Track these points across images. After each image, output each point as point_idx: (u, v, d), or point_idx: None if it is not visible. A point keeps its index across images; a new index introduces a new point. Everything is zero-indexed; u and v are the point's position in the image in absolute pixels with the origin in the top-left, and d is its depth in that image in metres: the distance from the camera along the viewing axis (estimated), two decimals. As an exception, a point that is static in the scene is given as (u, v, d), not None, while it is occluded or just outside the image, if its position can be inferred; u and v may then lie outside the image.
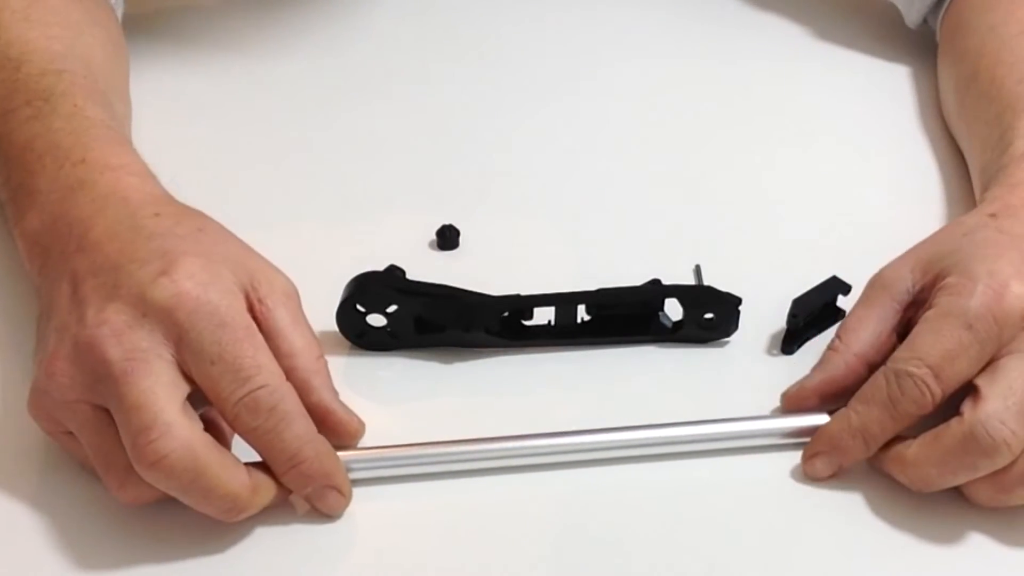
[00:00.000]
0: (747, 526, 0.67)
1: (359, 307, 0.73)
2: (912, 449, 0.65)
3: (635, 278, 0.76)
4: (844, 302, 0.75)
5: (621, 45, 0.98)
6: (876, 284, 0.71)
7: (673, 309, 0.74)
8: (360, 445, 0.68)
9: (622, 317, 0.74)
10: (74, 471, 0.67)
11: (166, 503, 0.64)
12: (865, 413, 0.66)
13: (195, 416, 0.63)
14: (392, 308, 0.73)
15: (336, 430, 0.67)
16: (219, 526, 0.65)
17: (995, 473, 0.64)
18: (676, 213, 0.84)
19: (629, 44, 0.98)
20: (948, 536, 0.66)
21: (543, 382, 0.73)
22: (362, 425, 0.68)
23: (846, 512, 0.67)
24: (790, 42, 0.99)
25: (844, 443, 0.67)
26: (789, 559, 0.65)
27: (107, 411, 0.63)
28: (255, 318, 0.66)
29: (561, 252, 0.81)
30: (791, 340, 0.74)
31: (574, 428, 0.69)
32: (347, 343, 0.74)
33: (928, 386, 0.65)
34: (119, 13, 0.88)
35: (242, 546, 0.65)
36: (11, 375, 0.72)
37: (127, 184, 0.70)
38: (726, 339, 0.75)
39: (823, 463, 0.67)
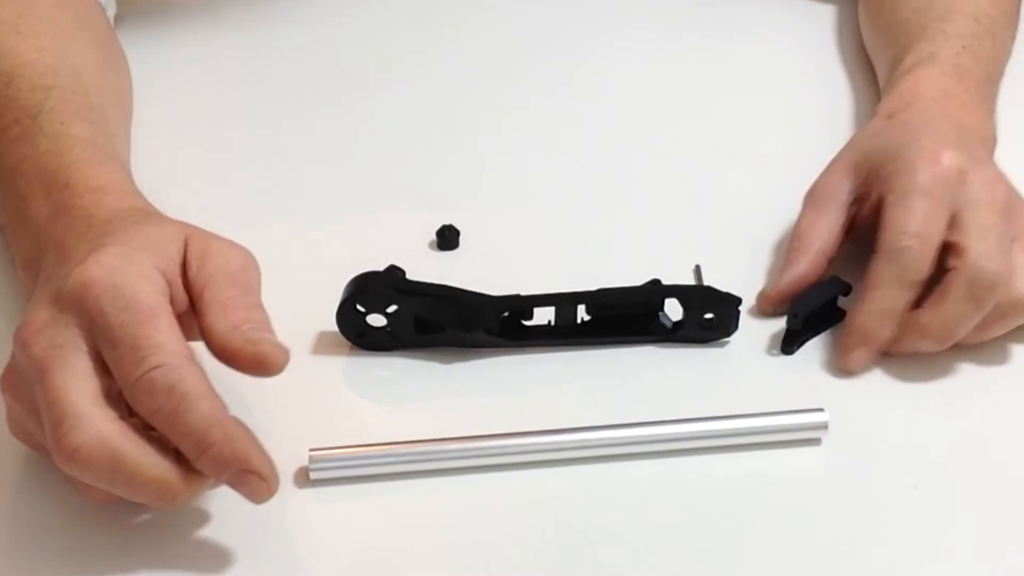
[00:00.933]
0: (746, 523, 0.67)
1: (359, 307, 0.73)
2: (925, 314, 0.73)
3: (635, 278, 0.76)
4: (844, 302, 0.75)
5: (622, 43, 0.98)
6: (817, 193, 0.79)
7: (673, 309, 0.74)
8: (358, 443, 0.68)
9: (622, 317, 0.74)
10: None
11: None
12: (881, 296, 0.73)
13: (116, 407, 0.62)
14: (392, 308, 0.73)
15: (255, 365, 0.64)
16: (213, 526, 0.65)
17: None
18: (677, 213, 0.84)
19: (630, 43, 0.98)
20: (947, 531, 0.66)
21: (543, 382, 0.73)
22: (285, 352, 0.64)
23: (846, 509, 0.67)
24: (800, 44, 0.99)
25: (873, 328, 0.73)
26: (788, 555, 0.65)
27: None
28: (190, 296, 0.65)
29: (561, 252, 0.81)
30: (791, 340, 0.74)
31: (573, 426, 0.69)
32: (347, 343, 0.74)
33: (921, 251, 0.72)
34: (111, 14, 0.88)
35: (234, 544, 0.65)
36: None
37: (106, 205, 0.69)
38: (726, 339, 0.75)
39: (859, 354, 0.73)
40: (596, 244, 0.81)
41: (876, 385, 0.73)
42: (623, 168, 0.87)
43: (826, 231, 0.77)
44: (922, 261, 0.72)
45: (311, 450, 0.67)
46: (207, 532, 0.65)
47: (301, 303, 0.76)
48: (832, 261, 0.76)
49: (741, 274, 0.78)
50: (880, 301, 0.73)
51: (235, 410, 0.71)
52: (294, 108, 0.91)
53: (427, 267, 0.78)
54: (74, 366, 0.62)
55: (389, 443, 0.68)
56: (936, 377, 0.74)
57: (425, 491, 0.67)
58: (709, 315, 0.74)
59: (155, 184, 0.80)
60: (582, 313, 0.74)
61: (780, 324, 0.75)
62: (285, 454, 0.68)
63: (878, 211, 0.75)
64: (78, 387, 0.61)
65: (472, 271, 0.78)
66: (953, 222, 0.73)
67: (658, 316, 0.75)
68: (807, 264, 0.76)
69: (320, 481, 0.67)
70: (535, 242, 0.81)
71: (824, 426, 0.70)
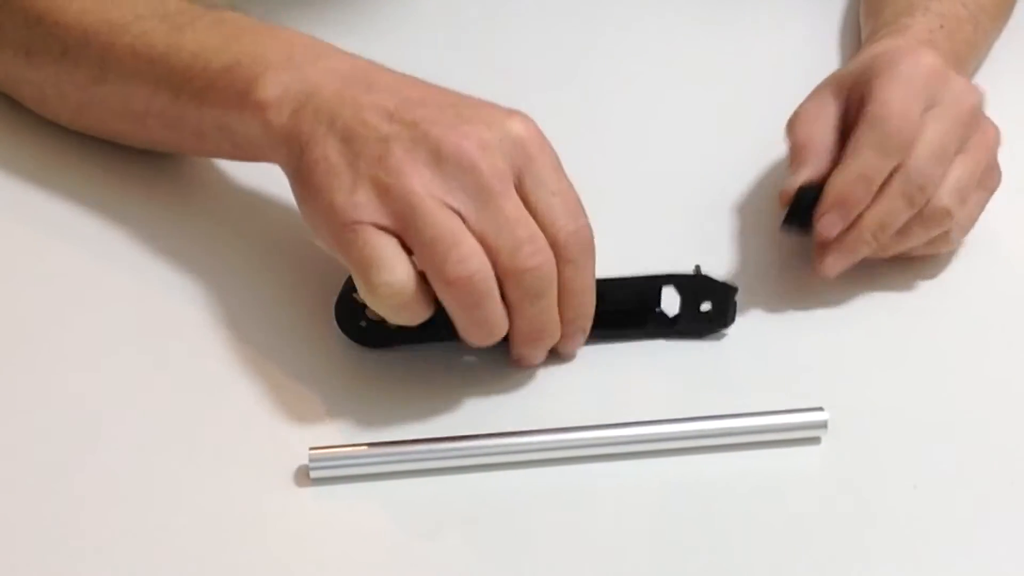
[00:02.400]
0: (745, 522, 0.67)
1: (357, 300, 0.72)
2: (867, 211, 0.75)
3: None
4: None
5: (624, 40, 0.98)
6: (802, 113, 0.80)
7: (670, 304, 0.74)
8: (358, 442, 0.68)
9: (619, 312, 0.74)
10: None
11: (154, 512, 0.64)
12: (861, 160, 0.74)
13: None
14: None
15: None
16: (213, 525, 0.65)
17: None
18: (677, 213, 0.84)
19: (632, 39, 0.98)
20: (947, 531, 0.66)
21: (542, 381, 0.73)
22: None
23: (845, 509, 0.67)
24: (805, 41, 0.99)
25: (849, 191, 0.74)
26: (787, 555, 0.65)
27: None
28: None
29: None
30: (794, 216, 0.76)
31: (573, 426, 0.69)
32: (347, 342, 0.74)
33: (901, 127, 0.74)
34: None
35: (234, 544, 0.65)
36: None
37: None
38: (724, 331, 0.75)
39: (833, 217, 0.74)
40: (596, 244, 0.81)
41: (876, 385, 0.73)
42: (623, 167, 0.87)
43: (822, 136, 0.77)
44: (902, 135, 0.74)
45: (311, 449, 0.67)
46: (207, 532, 0.65)
47: (300, 302, 0.76)
48: (835, 163, 0.76)
49: (741, 274, 0.78)
50: (859, 166, 0.74)
51: (235, 410, 0.71)
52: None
53: (427, 266, 0.78)
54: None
55: (389, 443, 0.68)
56: (936, 377, 0.74)
57: (425, 491, 0.67)
58: (706, 306, 0.74)
59: (153, 182, 0.81)
60: None
61: (780, 323, 0.75)
62: (285, 454, 0.68)
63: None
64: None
65: (472, 270, 0.78)
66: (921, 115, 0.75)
67: (655, 310, 0.74)
68: (812, 168, 0.76)
69: (320, 480, 0.67)
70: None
71: (824, 425, 0.70)
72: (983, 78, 0.91)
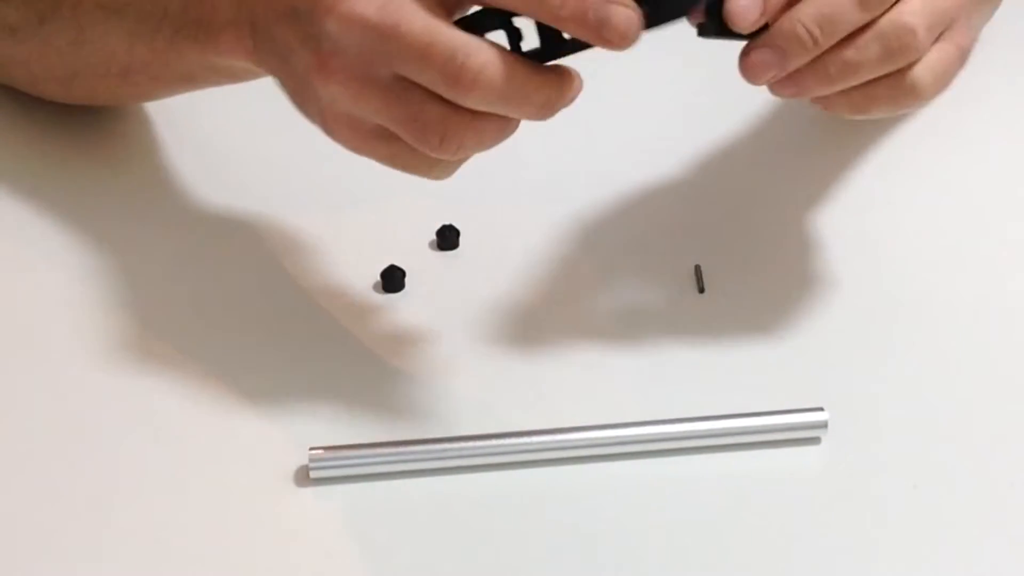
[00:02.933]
0: (746, 522, 0.67)
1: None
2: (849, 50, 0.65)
3: (635, 276, 0.76)
4: None
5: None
6: None
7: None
8: (358, 442, 0.68)
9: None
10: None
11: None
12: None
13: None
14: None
15: None
16: (213, 525, 0.65)
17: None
18: (677, 213, 0.84)
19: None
20: (947, 531, 0.66)
21: (543, 381, 0.73)
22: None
23: (845, 509, 0.67)
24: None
25: (796, 32, 0.64)
26: (787, 555, 0.65)
27: (398, 77, 0.62)
28: None
29: (561, 251, 0.81)
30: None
31: (573, 426, 0.69)
32: (346, 342, 0.74)
33: None
34: None
35: (234, 544, 0.65)
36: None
37: None
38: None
39: (762, 55, 0.65)
40: (596, 244, 0.81)
41: (876, 385, 0.73)
42: (624, 168, 0.87)
43: None
44: None
45: (311, 449, 0.67)
46: (207, 532, 0.65)
47: (300, 302, 0.76)
48: None
49: (742, 274, 0.78)
50: (824, 5, 0.64)
51: (235, 409, 0.71)
52: (290, 107, 0.91)
53: (427, 267, 0.78)
54: (423, 11, 0.62)
55: (389, 442, 0.68)
56: (937, 377, 0.74)
57: (425, 490, 0.67)
58: None
59: (151, 184, 0.81)
60: None
61: (780, 323, 0.76)
62: (285, 454, 0.68)
63: None
64: (442, 24, 0.61)
65: (472, 271, 0.78)
66: None
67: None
68: None
69: (320, 480, 0.67)
70: (535, 242, 0.81)
71: (824, 425, 0.70)
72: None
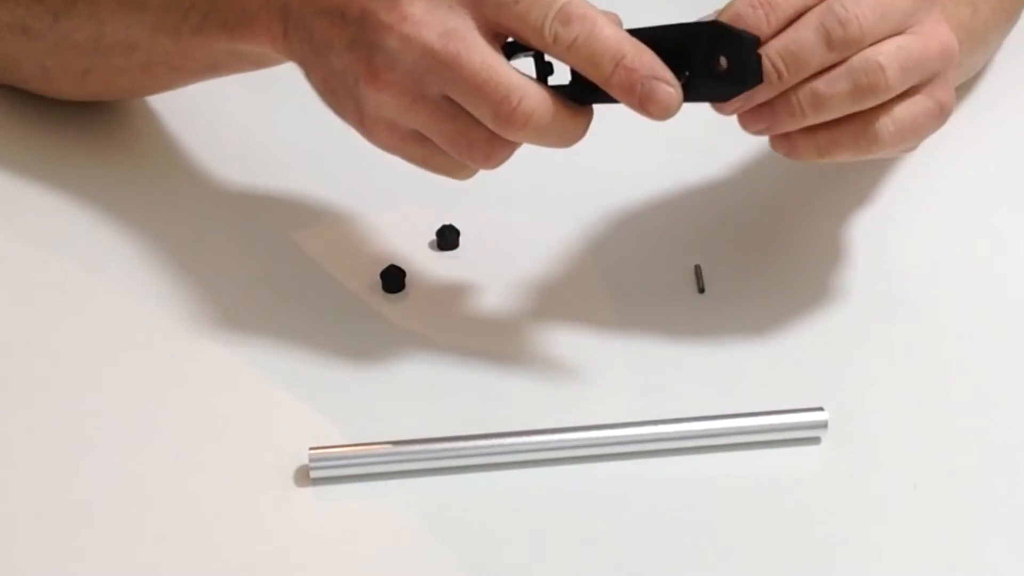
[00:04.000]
0: (745, 522, 0.67)
1: None
2: (777, 39, 0.66)
3: (635, 277, 0.76)
4: None
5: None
6: None
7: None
8: (358, 442, 0.68)
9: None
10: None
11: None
12: (794, 36, 0.66)
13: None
14: None
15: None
16: (213, 525, 0.65)
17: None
18: (677, 213, 0.84)
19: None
20: (947, 531, 0.66)
21: (543, 381, 0.73)
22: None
23: (845, 509, 0.67)
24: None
25: (745, 11, 0.66)
26: (787, 554, 0.65)
27: (447, 97, 0.66)
28: None
29: (561, 252, 0.81)
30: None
31: (573, 425, 0.69)
32: (346, 341, 0.74)
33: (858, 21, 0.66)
34: None
35: (234, 544, 0.65)
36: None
37: None
38: (744, 89, 0.67)
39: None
40: (597, 244, 0.81)
41: (876, 385, 0.73)
42: (624, 168, 0.87)
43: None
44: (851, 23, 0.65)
45: (311, 449, 0.67)
46: (207, 532, 0.65)
47: (300, 301, 0.76)
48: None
49: (742, 274, 0.78)
50: (790, 41, 0.66)
51: (235, 409, 0.71)
52: (294, 108, 0.91)
53: (427, 267, 0.78)
54: (483, 44, 0.65)
55: (389, 442, 0.68)
56: (937, 377, 0.74)
57: (425, 490, 0.67)
58: (723, 61, 0.66)
59: (151, 183, 0.81)
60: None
61: (780, 323, 0.75)
62: (285, 453, 0.68)
63: None
64: (499, 61, 0.66)
65: (472, 271, 0.78)
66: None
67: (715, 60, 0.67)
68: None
69: (320, 480, 0.67)
70: (535, 242, 0.81)
71: (824, 425, 0.70)
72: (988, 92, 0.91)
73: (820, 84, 0.66)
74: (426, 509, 0.67)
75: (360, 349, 0.74)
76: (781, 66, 0.66)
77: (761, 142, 0.89)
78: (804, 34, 0.66)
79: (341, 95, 0.69)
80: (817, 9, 0.66)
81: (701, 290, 0.78)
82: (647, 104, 0.66)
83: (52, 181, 0.83)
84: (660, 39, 0.67)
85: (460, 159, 0.68)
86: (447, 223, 0.80)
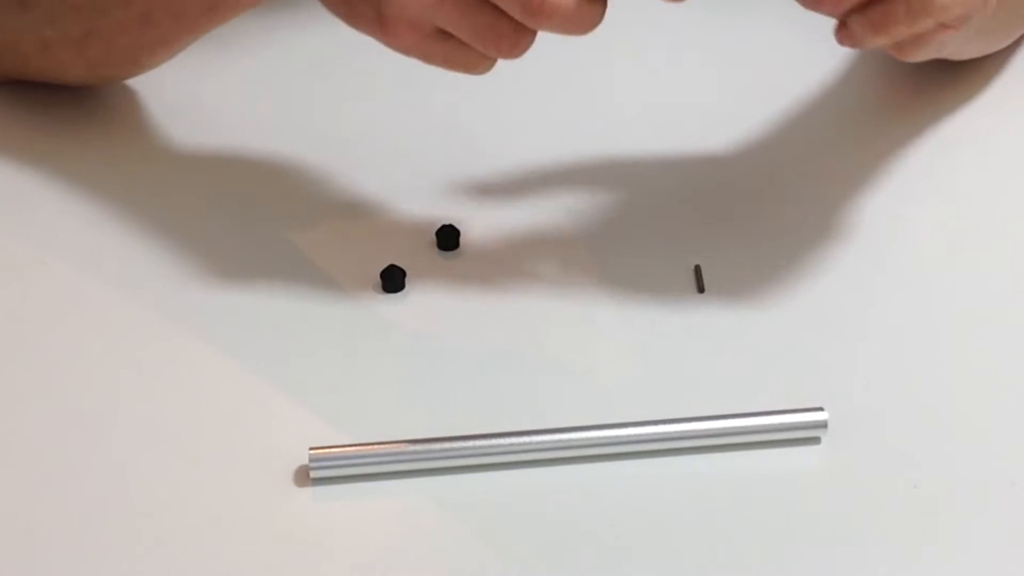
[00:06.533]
0: (745, 522, 0.67)
1: None
2: None
3: (635, 276, 0.76)
4: None
5: (626, 42, 0.98)
6: None
7: None
8: (358, 442, 0.68)
9: None
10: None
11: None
12: None
13: None
14: None
15: None
16: (213, 525, 0.65)
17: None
18: (678, 213, 0.84)
19: (634, 42, 0.98)
20: (947, 531, 0.66)
21: (543, 381, 0.73)
22: None
23: (845, 509, 0.67)
24: (807, 43, 0.99)
25: None
26: (787, 555, 0.65)
27: None
28: None
29: (561, 251, 0.81)
30: None
31: (573, 425, 0.69)
32: (345, 342, 0.74)
33: None
34: None
35: (234, 544, 0.65)
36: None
37: None
38: None
39: None
40: (596, 244, 0.81)
41: (876, 385, 0.73)
42: (624, 167, 0.87)
43: None
44: None
45: (311, 449, 0.67)
46: (206, 531, 0.65)
47: (300, 301, 0.76)
48: None
49: (742, 274, 0.78)
50: None
51: (235, 409, 0.71)
52: (294, 109, 0.91)
53: (427, 267, 0.78)
54: None
55: (389, 442, 0.68)
56: (937, 377, 0.74)
57: (425, 490, 0.67)
58: None
59: (148, 181, 0.81)
60: None
61: (780, 323, 0.75)
62: (285, 453, 0.68)
63: None
64: None
65: (472, 271, 0.78)
66: None
67: None
68: None
69: (320, 480, 0.67)
70: (535, 242, 0.81)
71: (824, 425, 0.70)
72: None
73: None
74: (426, 509, 0.67)
75: (360, 349, 0.74)
76: None
77: (761, 143, 0.89)
78: None
79: (356, 2, 0.70)
80: None
81: (701, 290, 0.78)
82: None
83: (49, 178, 0.83)
84: None
85: (486, 51, 0.70)
86: (447, 223, 0.80)
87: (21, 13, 0.81)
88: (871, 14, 0.69)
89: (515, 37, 0.70)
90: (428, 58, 0.72)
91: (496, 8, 0.69)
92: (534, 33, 0.70)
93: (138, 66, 0.86)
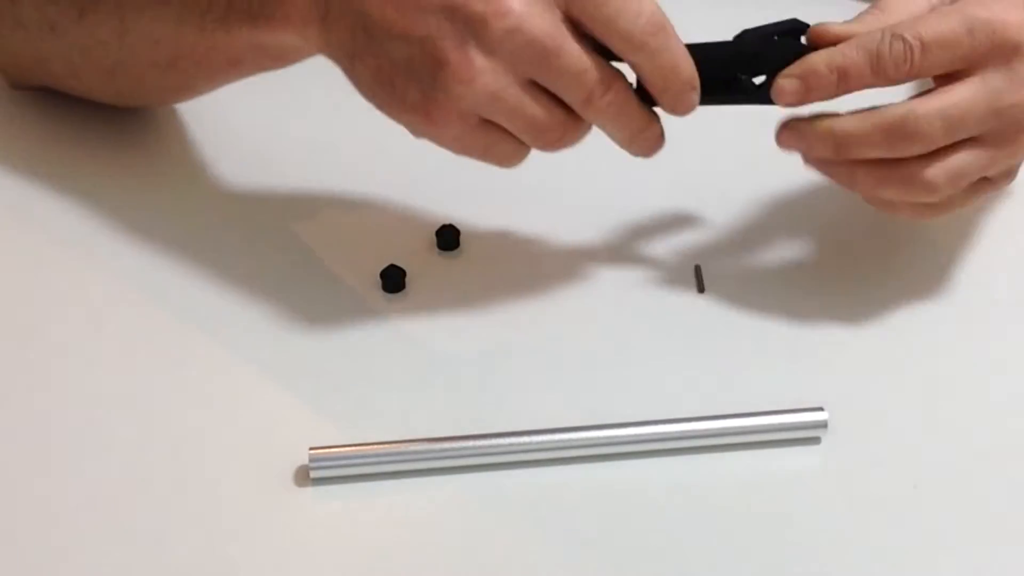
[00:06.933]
0: (745, 522, 0.67)
1: None
2: (845, 119, 0.71)
3: (635, 276, 0.76)
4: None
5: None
6: None
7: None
8: (358, 442, 0.68)
9: (705, 79, 0.72)
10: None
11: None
12: (850, 56, 0.70)
13: None
14: None
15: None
16: (213, 525, 0.65)
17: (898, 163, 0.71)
18: (678, 213, 0.84)
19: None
20: (947, 530, 0.66)
21: (543, 381, 0.73)
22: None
23: (845, 509, 0.67)
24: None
25: (820, 72, 0.71)
26: (787, 555, 0.65)
27: (531, 82, 0.68)
28: None
29: (561, 251, 0.81)
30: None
31: (573, 425, 0.69)
32: (346, 342, 0.74)
33: (912, 55, 0.69)
34: None
35: (234, 544, 0.65)
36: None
37: None
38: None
39: (792, 83, 0.71)
40: (596, 244, 0.81)
41: (876, 385, 0.73)
42: (624, 167, 0.87)
43: (911, 10, 0.72)
44: (904, 64, 0.70)
45: (311, 449, 0.67)
46: (207, 532, 0.65)
47: (300, 301, 0.76)
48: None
49: (742, 274, 0.78)
50: (846, 59, 0.70)
51: (235, 409, 0.71)
52: (295, 109, 0.91)
53: (427, 267, 0.78)
54: (572, 40, 0.68)
55: (389, 442, 0.68)
56: (937, 377, 0.74)
57: (425, 490, 0.67)
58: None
59: (152, 181, 0.81)
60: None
61: (780, 323, 0.75)
62: (285, 453, 0.68)
63: None
64: (588, 51, 0.69)
65: (472, 271, 0.78)
66: (958, 75, 0.70)
67: (740, 78, 0.73)
68: (865, 27, 0.71)
69: (320, 480, 0.67)
70: (535, 242, 0.81)
71: (824, 425, 0.70)
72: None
73: (870, 174, 0.72)
74: (426, 509, 0.67)
75: (360, 349, 0.74)
76: (838, 146, 0.71)
77: (762, 143, 0.89)
78: (868, 130, 0.70)
79: (401, 85, 0.69)
80: (904, 110, 0.70)
81: (701, 290, 0.78)
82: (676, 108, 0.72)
83: (59, 176, 0.84)
84: (736, 52, 0.73)
85: (531, 143, 0.71)
86: (447, 223, 0.80)
87: (52, 38, 0.82)
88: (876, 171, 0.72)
89: (563, 129, 0.70)
90: (466, 149, 0.71)
91: (551, 100, 0.69)
92: (582, 129, 0.71)
93: (165, 102, 0.87)
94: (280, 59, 0.76)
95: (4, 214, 0.82)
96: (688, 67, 0.71)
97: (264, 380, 0.72)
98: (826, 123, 0.72)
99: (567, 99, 0.69)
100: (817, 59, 0.71)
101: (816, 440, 0.70)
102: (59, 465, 0.68)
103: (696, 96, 0.72)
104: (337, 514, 0.67)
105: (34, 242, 0.80)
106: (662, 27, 0.69)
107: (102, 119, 0.87)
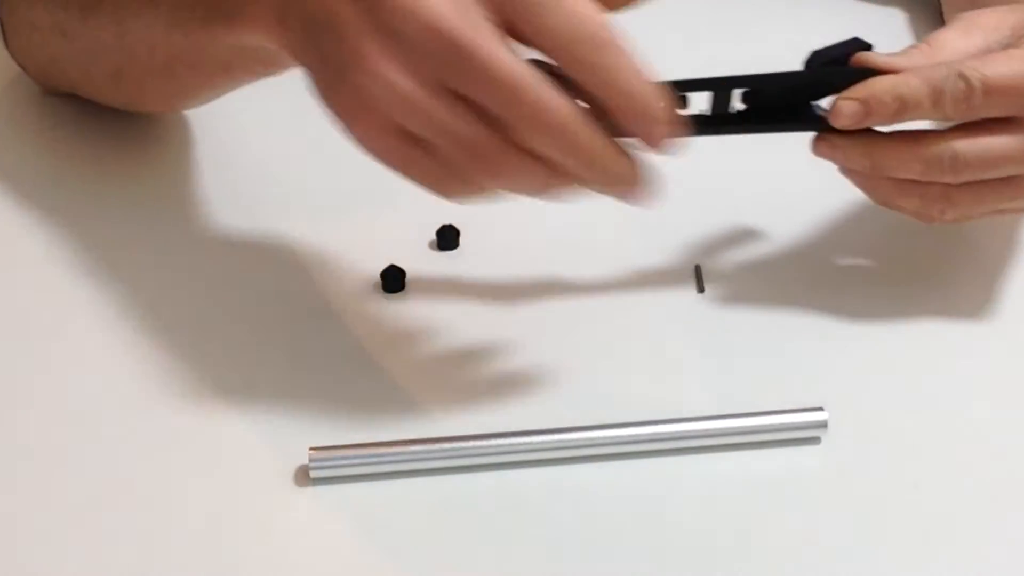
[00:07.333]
0: (745, 522, 0.67)
1: None
2: (885, 143, 0.72)
3: (635, 277, 0.76)
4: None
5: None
6: (972, 21, 0.74)
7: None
8: (358, 442, 0.68)
9: (775, 107, 0.73)
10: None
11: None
12: (914, 87, 0.70)
13: None
14: None
15: None
16: (213, 525, 0.65)
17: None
18: (678, 213, 0.83)
19: (636, 39, 0.98)
20: (947, 530, 0.66)
21: (543, 381, 0.73)
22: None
23: (845, 509, 0.67)
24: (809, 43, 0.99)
25: (882, 100, 0.70)
26: (787, 554, 0.65)
27: (453, 93, 0.61)
28: None
29: (561, 251, 0.81)
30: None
31: (573, 425, 0.69)
32: (345, 342, 0.74)
33: (973, 97, 0.69)
34: None
35: (234, 543, 0.65)
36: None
37: None
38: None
39: (853, 107, 0.70)
40: (596, 244, 0.81)
41: (876, 385, 0.73)
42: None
43: (956, 54, 0.72)
44: (964, 103, 0.70)
45: (311, 449, 0.67)
46: (207, 532, 0.65)
47: (300, 301, 0.76)
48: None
49: (742, 274, 0.78)
50: (911, 89, 0.70)
51: (235, 409, 0.71)
52: (296, 108, 0.91)
53: (427, 267, 0.78)
54: (500, 41, 0.60)
55: (389, 442, 0.68)
56: (937, 377, 0.74)
57: (425, 490, 0.67)
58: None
59: (149, 183, 0.81)
60: (736, 101, 0.73)
61: (780, 323, 0.75)
62: (285, 454, 0.68)
63: None
64: (519, 59, 0.61)
65: (472, 271, 0.78)
66: (1014, 123, 0.71)
67: (811, 105, 0.73)
68: (913, 63, 0.71)
69: (320, 480, 0.67)
70: (535, 242, 0.81)
71: (823, 425, 0.70)
72: None
73: (896, 189, 0.73)
74: (426, 509, 0.67)
75: (360, 349, 0.74)
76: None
77: (762, 143, 0.89)
78: (910, 161, 0.71)
79: (330, 83, 0.64)
80: (944, 143, 0.70)
81: (701, 290, 0.78)
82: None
83: (60, 178, 0.84)
84: (805, 82, 0.73)
85: (465, 167, 0.63)
86: (447, 223, 0.80)
87: (64, 43, 0.82)
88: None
89: (501, 157, 0.62)
90: (388, 161, 0.64)
91: (484, 116, 0.61)
92: (521, 161, 0.62)
93: (171, 108, 0.87)
94: (269, 63, 0.74)
95: (5, 215, 0.82)
96: (645, 93, 0.63)
97: (264, 380, 0.72)
98: (865, 142, 0.72)
99: (502, 112, 0.61)
100: (880, 86, 0.70)
101: (816, 440, 0.70)
102: (57, 465, 0.68)
103: (665, 130, 0.65)
104: (337, 514, 0.67)
105: (34, 242, 0.81)
106: (607, 42, 0.62)
107: (106, 124, 0.87)
